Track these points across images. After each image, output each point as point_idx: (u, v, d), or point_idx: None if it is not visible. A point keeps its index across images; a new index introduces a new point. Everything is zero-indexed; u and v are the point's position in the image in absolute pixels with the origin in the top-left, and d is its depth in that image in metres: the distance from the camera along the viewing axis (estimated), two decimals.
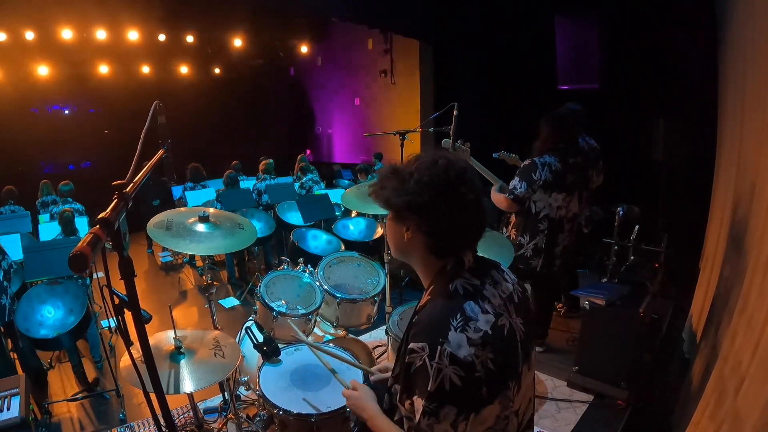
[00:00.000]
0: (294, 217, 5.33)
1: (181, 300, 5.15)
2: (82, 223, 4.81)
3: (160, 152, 1.32)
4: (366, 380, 1.83)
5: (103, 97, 8.51)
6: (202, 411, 2.77)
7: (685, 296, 3.73)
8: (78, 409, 3.13)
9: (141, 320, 0.99)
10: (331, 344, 2.41)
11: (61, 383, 3.44)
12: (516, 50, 6.01)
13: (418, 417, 1.03)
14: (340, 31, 9.35)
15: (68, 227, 4.12)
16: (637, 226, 3.67)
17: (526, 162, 3.11)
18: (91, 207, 5.33)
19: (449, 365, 0.98)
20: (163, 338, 2.16)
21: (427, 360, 1.00)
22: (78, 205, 5.31)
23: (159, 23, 7.28)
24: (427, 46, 7.60)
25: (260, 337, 2.30)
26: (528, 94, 5.60)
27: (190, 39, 8.21)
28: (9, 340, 3.12)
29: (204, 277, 5.61)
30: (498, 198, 3.22)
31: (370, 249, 4.50)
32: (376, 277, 2.96)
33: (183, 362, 2.03)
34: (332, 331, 2.93)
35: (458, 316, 1.02)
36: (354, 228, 4.97)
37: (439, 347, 0.99)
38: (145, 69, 8.73)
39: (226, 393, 2.58)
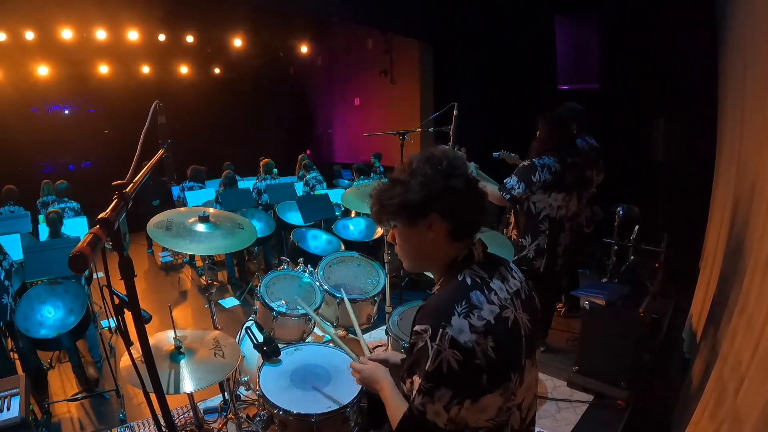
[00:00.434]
0: (294, 217, 5.32)
1: (181, 300, 5.15)
2: (80, 223, 4.82)
3: (160, 152, 1.32)
4: None
5: (103, 97, 8.51)
6: (202, 411, 2.76)
7: (685, 296, 3.73)
8: (78, 409, 3.13)
9: (141, 320, 0.99)
10: (330, 344, 2.41)
11: (61, 383, 3.44)
12: (516, 50, 6.01)
13: (413, 395, 1.06)
14: (340, 31, 9.34)
15: (54, 227, 4.03)
16: (637, 226, 3.67)
17: (525, 162, 3.07)
18: (91, 207, 5.33)
19: (448, 348, 1.01)
20: (163, 338, 2.16)
21: (428, 341, 1.04)
22: (74, 204, 5.31)
23: (159, 23, 7.29)
24: (427, 46, 7.60)
25: (260, 337, 2.29)
26: (528, 94, 5.59)
27: (190, 39, 8.22)
28: (9, 340, 3.13)
29: (204, 277, 5.62)
30: (495, 195, 3.18)
31: (370, 249, 4.48)
32: (376, 277, 2.96)
33: (183, 362, 2.03)
34: (332, 331, 2.93)
35: (463, 303, 1.05)
36: (354, 228, 4.96)
37: (440, 330, 1.02)
38: (145, 69, 8.74)
39: (226, 393, 2.58)
